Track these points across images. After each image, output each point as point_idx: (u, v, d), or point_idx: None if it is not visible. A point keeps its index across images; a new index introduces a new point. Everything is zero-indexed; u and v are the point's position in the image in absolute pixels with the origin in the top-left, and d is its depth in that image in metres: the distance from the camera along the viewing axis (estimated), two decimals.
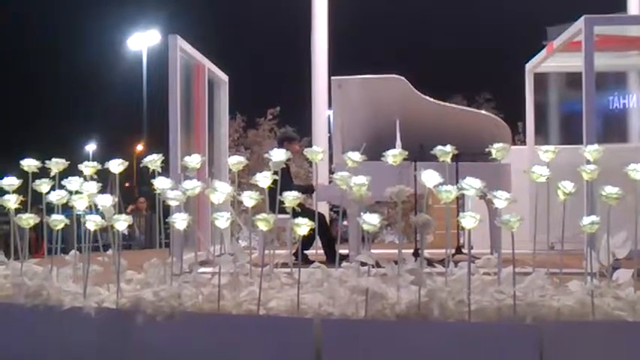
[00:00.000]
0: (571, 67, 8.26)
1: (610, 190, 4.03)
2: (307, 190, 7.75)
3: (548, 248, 4.72)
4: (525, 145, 9.66)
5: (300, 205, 4.25)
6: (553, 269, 4.32)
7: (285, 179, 4.80)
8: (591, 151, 4.39)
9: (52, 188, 4.63)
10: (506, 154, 4.50)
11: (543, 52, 8.76)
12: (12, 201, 4.58)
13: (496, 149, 4.44)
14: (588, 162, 4.35)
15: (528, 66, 9.26)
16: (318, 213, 5.14)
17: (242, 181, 4.53)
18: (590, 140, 6.27)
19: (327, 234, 7.97)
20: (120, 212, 4.41)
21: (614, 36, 7.86)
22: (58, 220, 4.46)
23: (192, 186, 4.35)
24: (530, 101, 9.36)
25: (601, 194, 4.06)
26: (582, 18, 6.81)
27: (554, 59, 8.66)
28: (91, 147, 43.97)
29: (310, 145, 4.60)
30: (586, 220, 4.05)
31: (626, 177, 4.14)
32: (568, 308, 3.96)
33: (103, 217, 4.37)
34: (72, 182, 4.56)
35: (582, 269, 4.28)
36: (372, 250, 4.13)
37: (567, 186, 4.14)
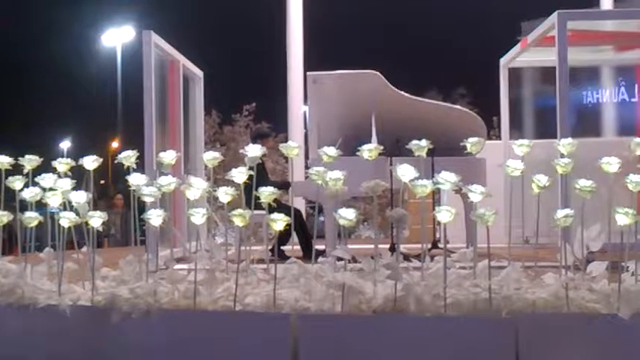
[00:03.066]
0: (545, 61, 8.32)
1: (584, 183, 4.06)
2: (283, 185, 7.75)
3: (524, 242, 4.76)
4: (500, 139, 9.71)
5: (275, 200, 4.25)
6: (528, 263, 4.34)
7: (261, 175, 4.79)
8: (565, 145, 4.42)
9: (26, 185, 4.58)
10: (480, 148, 4.52)
11: (517, 47, 8.81)
12: None
13: (471, 144, 4.46)
14: (562, 156, 4.37)
15: (502, 61, 9.31)
16: (294, 209, 5.14)
17: (218, 177, 4.52)
18: (564, 134, 6.32)
19: (304, 229, 7.97)
20: (95, 209, 4.38)
21: (587, 31, 7.92)
22: (31, 218, 4.42)
23: (168, 182, 4.33)
24: (505, 96, 9.41)
25: (575, 187, 4.09)
26: (555, 13, 6.86)
27: (528, 54, 8.72)
28: (65, 144, 43.65)
29: (286, 141, 4.59)
30: (560, 213, 4.08)
31: (599, 170, 4.18)
32: (543, 301, 3.99)
33: (77, 214, 4.34)
34: (45, 179, 4.52)
35: (557, 262, 4.31)
36: (349, 246, 4.14)
37: (541, 179, 4.16)
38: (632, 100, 9.74)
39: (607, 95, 10.26)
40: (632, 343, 3.85)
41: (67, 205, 4.45)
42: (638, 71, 9.40)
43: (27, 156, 4.69)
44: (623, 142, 4.44)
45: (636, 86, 9.51)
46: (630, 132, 8.77)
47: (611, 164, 4.15)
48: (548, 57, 7.51)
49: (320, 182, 4.22)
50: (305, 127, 10.58)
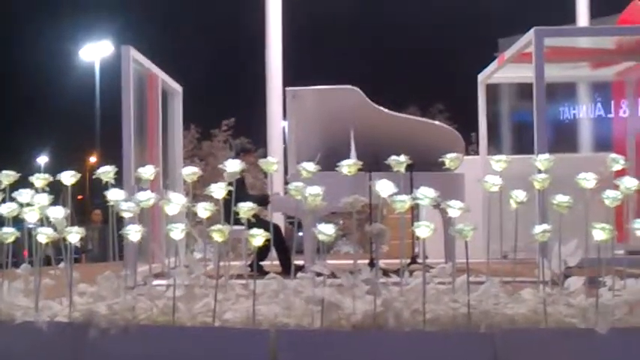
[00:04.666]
0: (522, 78, 8.37)
1: (561, 198, 4.09)
2: (262, 200, 7.74)
3: (502, 257, 4.77)
4: (479, 155, 9.76)
5: (254, 215, 4.24)
6: (506, 278, 4.36)
7: (241, 190, 4.79)
8: (542, 160, 4.45)
9: (3, 200, 4.55)
10: (459, 164, 4.55)
11: (495, 64, 8.86)
12: None
13: (449, 159, 4.48)
14: (539, 171, 4.41)
15: (480, 77, 9.37)
16: (273, 224, 5.14)
17: (196, 192, 4.51)
18: (541, 150, 6.36)
19: (283, 245, 7.96)
20: (72, 224, 4.35)
21: (564, 47, 7.99)
22: (8, 234, 4.39)
23: (146, 197, 4.32)
24: (483, 112, 9.45)
25: (552, 203, 4.12)
26: (532, 30, 6.92)
27: (506, 70, 8.77)
28: (42, 159, 43.34)
29: (265, 156, 4.59)
30: (538, 228, 4.11)
31: (576, 186, 4.21)
32: (521, 316, 4.00)
33: (54, 230, 4.31)
34: (23, 194, 4.49)
35: (535, 277, 4.34)
36: (328, 261, 4.14)
37: (519, 195, 4.19)
38: (609, 115, 9.84)
39: (584, 111, 10.35)
40: (609, 358, 3.88)
41: (44, 221, 4.42)
42: (614, 88, 9.49)
43: (4, 171, 4.66)
44: (600, 158, 4.48)
45: (612, 102, 9.61)
46: (607, 148, 8.84)
47: (587, 180, 4.19)
48: (525, 73, 7.56)
49: (299, 198, 4.23)
50: (284, 142, 10.58)
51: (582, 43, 8.29)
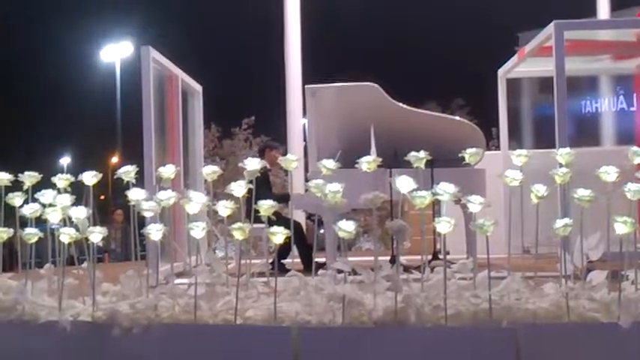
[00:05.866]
0: (543, 72, 8.33)
1: (582, 192, 4.07)
2: (283, 198, 7.75)
3: (523, 252, 4.75)
4: (499, 150, 9.72)
5: (275, 213, 4.25)
6: (528, 273, 4.34)
7: (263, 188, 4.80)
8: (563, 154, 4.42)
9: (26, 201, 4.59)
10: (479, 159, 4.53)
11: (515, 58, 8.83)
12: None
13: (469, 154, 4.46)
14: (561, 165, 4.38)
15: (500, 72, 9.33)
16: (294, 221, 5.15)
17: (217, 191, 4.53)
18: (562, 144, 6.33)
19: (304, 242, 7.97)
20: (94, 224, 4.38)
21: (584, 41, 7.94)
22: (31, 234, 4.42)
23: (167, 196, 4.34)
24: (503, 107, 9.43)
25: (574, 197, 4.09)
26: (552, 23, 6.88)
27: (526, 65, 8.74)
28: (65, 160, 43.68)
29: (285, 154, 4.61)
30: (559, 222, 4.08)
31: (598, 180, 4.18)
32: (543, 311, 3.99)
33: (77, 230, 4.34)
34: (45, 195, 4.53)
35: (557, 272, 4.31)
36: (349, 258, 4.14)
37: (540, 189, 4.17)
38: (631, 109, 9.76)
39: (605, 104, 10.28)
40: (632, 352, 3.85)
41: (66, 221, 4.46)
42: (636, 80, 9.41)
43: (26, 172, 4.69)
44: (622, 151, 4.45)
45: (635, 95, 9.53)
46: (629, 141, 8.78)
47: (609, 173, 4.16)
48: (545, 67, 7.53)
49: (319, 195, 4.23)
50: (304, 140, 10.59)
51: (603, 35, 8.24)
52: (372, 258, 4.22)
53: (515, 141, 9.67)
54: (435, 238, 8.24)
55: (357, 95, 7.88)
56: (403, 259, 4.49)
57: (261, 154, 8.64)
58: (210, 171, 4.43)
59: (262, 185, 4.39)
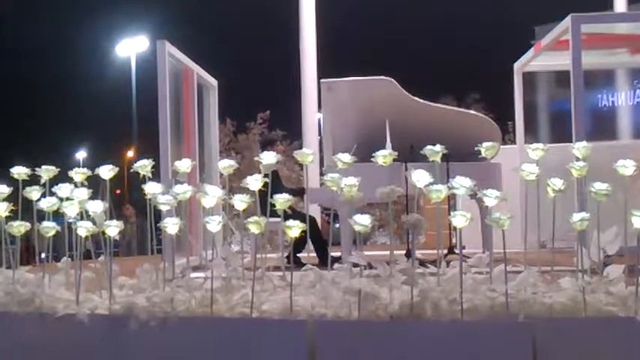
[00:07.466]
0: (559, 65, 8.29)
1: (599, 186, 4.05)
2: (298, 192, 7.76)
3: (539, 246, 4.73)
4: (516, 144, 9.68)
5: (290, 207, 4.25)
6: (544, 267, 4.33)
7: (276, 182, 4.80)
8: (580, 148, 4.40)
9: (43, 195, 4.61)
10: (495, 152, 4.51)
11: (531, 52, 8.79)
12: (2, 209, 4.56)
13: (485, 148, 4.45)
14: (577, 159, 4.36)
15: (517, 65, 9.29)
16: (309, 216, 5.15)
17: (233, 185, 4.54)
18: (579, 138, 6.30)
19: (319, 237, 7.97)
20: (111, 218, 4.40)
21: (601, 34, 7.89)
22: (49, 228, 4.45)
23: (183, 190, 4.35)
24: (519, 100, 9.39)
25: (591, 191, 4.07)
26: (569, 17, 6.85)
27: (542, 58, 8.70)
28: (81, 154, 43.87)
29: (301, 148, 4.61)
30: (576, 216, 4.06)
31: (615, 173, 4.16)
32: (560, 305, 3.97)
33: (94, 224, 4.36)
34: (62, 189, 4.55)
35: (573, 266, 4.30)
36: (365, 252, 4.14)
37: (557, 183, 4.15)
38: None
39: (622, 98, 10.21)
40: None
41: (83, 215, 4.48)
42: None
43: (44, 166, 4.72)
44: (639, 145, 4.43)
45: None
46: None
47: (626, 167, 4.14)
48: (562, 61, 7.49)
49: (335, 189, 4.23)
50: (319, 134, 10.59)
51: (620, 29, 8.18)
52: (387, 252, 4.22)
53: (532, 135, 9.63)
54: (451, 232, 8.22)
55: (373, 89, 7.88)
56: (419, 253, 4.49)
57: (265, 149, 8.63)
58: (226, 165, 4.44)
59: (275, 179, 4.40)
